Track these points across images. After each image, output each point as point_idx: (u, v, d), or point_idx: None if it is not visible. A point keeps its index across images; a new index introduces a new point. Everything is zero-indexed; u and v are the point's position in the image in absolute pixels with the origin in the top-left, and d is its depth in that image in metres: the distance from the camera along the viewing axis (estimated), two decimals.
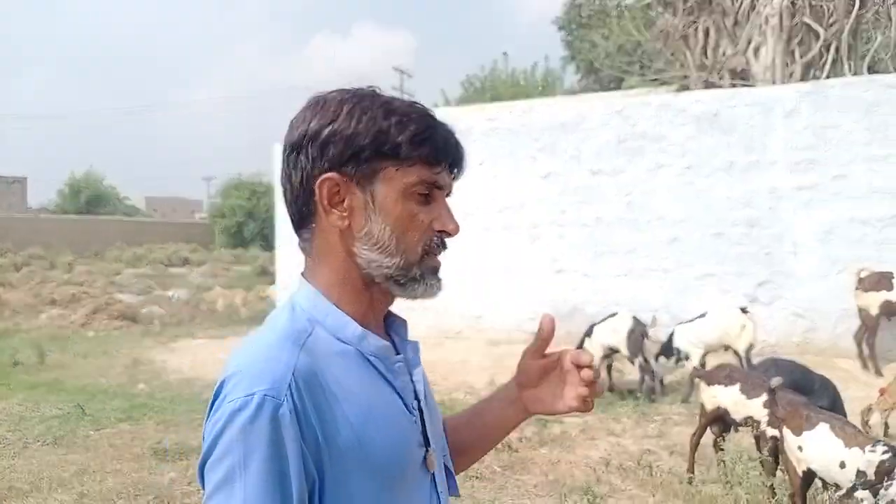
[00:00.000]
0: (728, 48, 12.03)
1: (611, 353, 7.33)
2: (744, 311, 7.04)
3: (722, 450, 5.05)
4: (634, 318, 7.21)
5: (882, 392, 5.50)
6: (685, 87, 12.31)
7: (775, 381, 4.83)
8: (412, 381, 1.15)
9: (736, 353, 6.96)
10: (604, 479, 5.21)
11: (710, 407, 5.14)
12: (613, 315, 7.46)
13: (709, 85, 11.75)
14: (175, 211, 65.96)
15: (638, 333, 7.06)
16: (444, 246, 1.12)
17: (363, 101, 1.08)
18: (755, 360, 5.76)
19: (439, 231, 1.10)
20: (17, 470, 5.27)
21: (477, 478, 5.23)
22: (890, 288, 7.48)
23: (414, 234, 1.08)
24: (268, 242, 27.96)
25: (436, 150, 1.07)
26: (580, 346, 7.47)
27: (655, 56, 15.12)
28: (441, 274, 1.12)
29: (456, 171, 1.13)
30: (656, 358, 7.27)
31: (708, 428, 5.20)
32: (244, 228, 36.02)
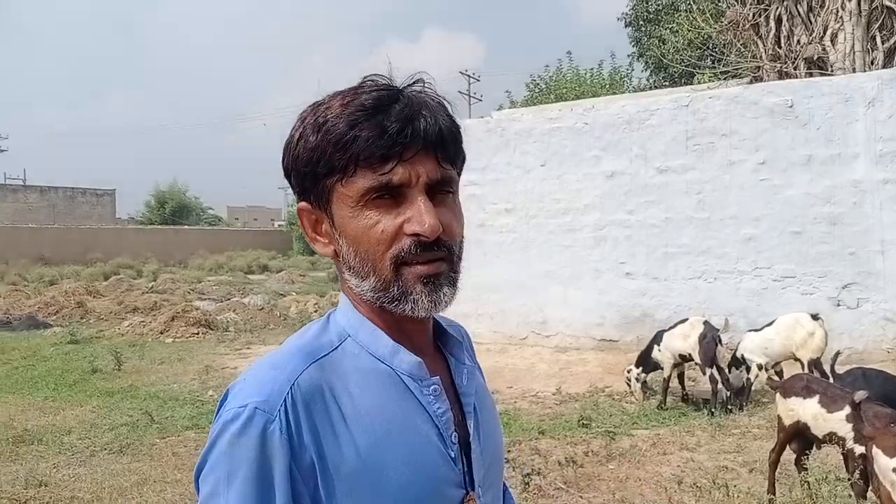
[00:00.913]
0: (802, 36, 11.41)
1: (682, 361, 6.99)
2: (814, 317, 6.60)
3: (805, 469, 4.71)
4: (706, 322, 6.86)
5: None
6: (758, 79, 11.76)
7: (860, 395, 4.48)
8: (461, 409, 1.03)
9: (801, 362, 6.55)
10: (676, 500, 4.93)
11: (787, 421, 4.79)
12: (684, 321, 7.11)
13: (783, 75, 11.17)
14: (255, 220, 68.08)
15: (710, 339, 6.70)
16: (424, 249, 0.94)
17: (305, 117, 0.99)
18: (840, 370, 5.34)
19: (412, 234, 0.94)
20: (81, 479, 5.38)
21: (539, 495, 5.04)
22: None
23: (378, 248, 0.94)
24: None
25: (370, 149, 0.92)
26: (648, 354, 7.18)
27: (726, 48, 14.53)
28: (435, 282, 0.95)
29: (438, 154, 0.96)
30: (728, 368, 6.89)
31: (788, 445, 4.87)
32: None
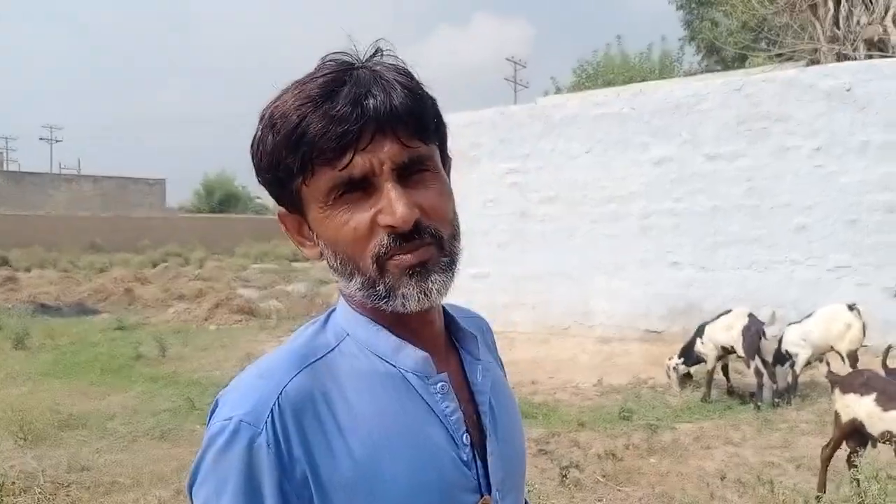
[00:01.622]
0: (862, 17, 10.96)
1: (725, 353, 6.79)
2: (851, 308, 6.34)
3: (856, 466, 4.49)
4: (750, 314, 6.65)
5: None
6: (815, 62, 11.32)
7: None
8: (475, 408, 0.96)
9: (840, 354, 6.30)
10: (718, 495, 4.77)
11: (845, 418, 4.61)
12: (727, 312, 6.92)
13: (841, 58, 10.73)
14: None
15: (754, 331, 6.49)
16: (404, 240, 0.85)
17: (263, 117, 0.89)
18: (894, 364, 5.09)
19: (387, 227, 0.85)
20: (122, 464, 5.47)
21: (577, 487, 4.93)
22: None
23: (356, 247, 0.87)
24: None
25: (321, 145, 0.83)
26: (691, 346, 6.98)
27: (782, 30, 14.03)
28: (422, 271, 0.87)
29: (394, 131, 0.85)
30: (773, 361, 6.66)
31: (844, 442, 4.65)
32: None
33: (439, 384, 0.92)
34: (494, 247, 10.06)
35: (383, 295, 0.88)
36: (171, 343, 10.31)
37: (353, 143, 0.83)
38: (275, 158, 0.87)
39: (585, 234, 9.56)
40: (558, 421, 6.34)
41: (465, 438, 0.92)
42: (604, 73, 21.78)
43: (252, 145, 0.91)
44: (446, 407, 0.92)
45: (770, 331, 6.75)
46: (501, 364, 1.14)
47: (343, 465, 0.84)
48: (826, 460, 4.67)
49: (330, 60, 0.89)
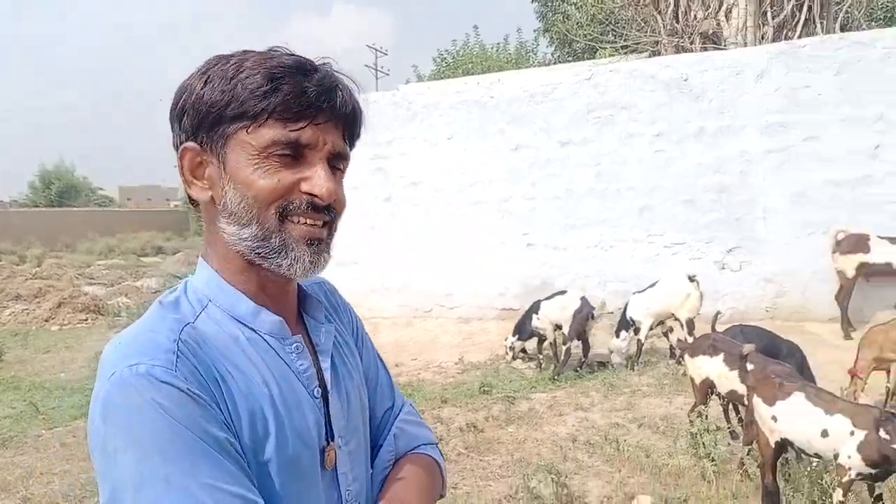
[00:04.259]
0: (699, 11, 11.82)
1: (558, 328, 7.25)
2: (691, 278, 6.94)
3: (691, 422, 4.92)
4: (583, 298, 7.14)
5: (852, 374, 5.34)
6: (657, 54, 12.11)
7: (747, 348, 4.69)
8: (318, 366, 1.05)
9: (679, 321, 6.89)
10: (570, 457, 5.07)
11: (698, 380, 5.00)
12: (563, 292, 7.40)
13: (680, 50, 11.54)
14: (150, 200, 65.25)
15: (584, 314, 7.00)
16: (314, 210, 0.98)
17: (219, 62, 0.97)
18: (721, 329, 5.60)
19: (307, 193, 0.96)
20: None
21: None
22: (867, 250, 7.37)
23: (269, 196, 0.96)
24: None
25: (289, 104, 0.93)
26: (525, 322, 7.40)
27: (627, 24, 14.88)
28: (318, 245, 0.98)
29: (344, 128, 1.00)
30: (616, 333, 7.18)
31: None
32: None
33: (294, 345, 1.03)
34: (359, 232, 10.07)
35: (276, 249, 0.97)
36: (8, 346, 9.55)
37: (312, 116, 0.96)
38: (227, 98, 0.94)
39: (447, 219, 9.76)
40: (422, 399, 6.47)
41: (316, 392, 1.03)
42: (463, 62, 22.19)
43: (192, 82, 0.97)
44: (301, 365, 1.02)
45: (597, 315, 7.31)
46: (353, 319, 1.25)
47: (237, 406, 0.92)
48: (696, 419, 4.99)
49: (279, 49, 0.99)
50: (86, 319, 11.93)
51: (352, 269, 9.87)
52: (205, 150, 0.97)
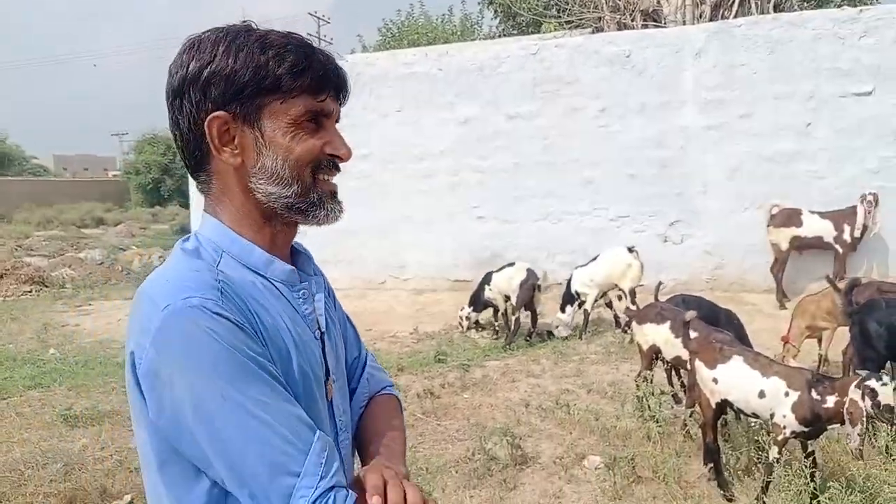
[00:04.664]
0: None
1: (507, 299, 7.52)
2: (630, 250, 7.28)
3: (638, 386, 5.21)
4: (529, 269, 7.41)
5: (785, 340, 5.72)
6: (599, 30, 12.34)
7: (689, 315, 4.96)
8: (315, 312, 1.20)
9: (622, 291, 7.23)
10: (524, 420, 5.33)
11: (645, 347, 5.25)
12: (511, 264, 7.67)
13: (622, 26, 11.80)
14: (86, 169, 62.98)
15: (529, 285, 7.27)
16: (336, 168, 1.17)
17: (238, 38, 1.08)
18: (663, 298, 5.92)
19: (330, 155, 1.14)
20: None
21: None
22: (799, 224, 7.82)
23: (305, 159, 1.11)
24: (186, 199, 27.11)
25: (317, 79, 1.10)
26: (479, 294, 7.65)
27: None
28: (339, 198, 1.18)
29: (341, 96, 1.17)
30: (562, 308, 7.47)
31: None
32: (161, 185, 34.65)
33: (301, 291, 1.19)
34: None
35: (314, 202, 1.14)
36: None
37: (331, 89, 1.14)
38: (264, 73, 1.07)
39: (398, 191, 9.86)
40: None
41: (317, 334, 1.19)
42: (408, 33, 22.05)
43: (230, 54, 1.07)
44: (306, 309, 1.19)
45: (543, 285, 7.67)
46: (325, 277, 1.40)
47: (273, 338, 1.06)
48: (641, 384, 5.24)
49: (249, 22, 1.13)
50: (30, 291, 11.66)
51: (302, 239, 9.82)
52: (236, 119, 1.08)
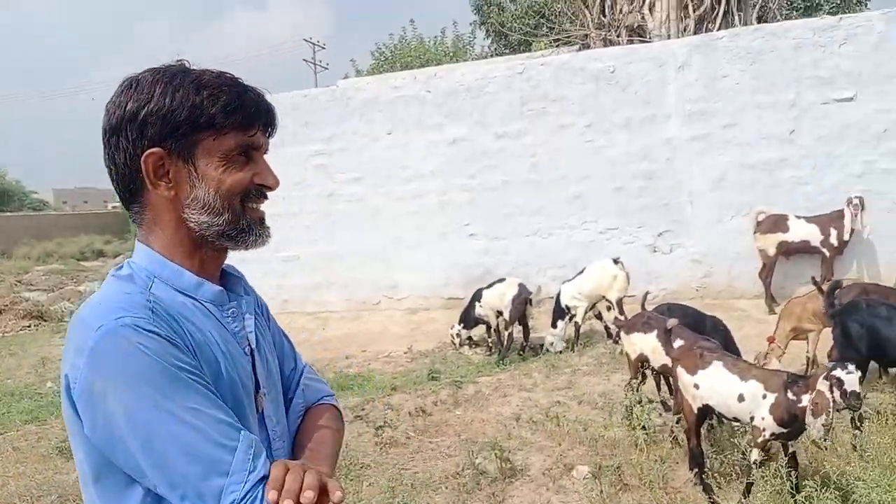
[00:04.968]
0: (624, 5, 12.27)
1: (499, 315, 7.58)
2: (616, 261, 7.36)
3: (626, 395, 5.26)
4: (520, 284, 7.49)
5: (770, 340, 5.79)
6: (586, 47, 12.53)
7: (670, 323, 5.03)
8: (245, 329, 1.28)
9: (609, 302, 7.30)
10: (514, 434, 5.37)
11: (633, 356, 5.33)
12: (501, 280, 7.74)
13: (608, 43, 11.98)
14: (86, 202, 63.30)
15: (521, 300, 7.34)
16: (264, 196, 1.25)
17: (175, 78, 1.17)
18: (650, 308, 5.98)
19: (259, 185, 1.23)
20: None
21: (391, 444, 5.32)
22: (786, 229, 7.91)
23: (236, 189, 1.20)
24: None
25: (248, 116, 1.19)
26: (470, 311, 7.72)
27: (559, 17, 15.28)
28: (267, 223, 1.26)
29: (269, 130, 1.26)
30: (553, 322, 7.54)
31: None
32: None
33: (230, 310, 1.27)
34: (304, 229, 10.19)
35: (244, 229, 1.23)
36: None
37: (259, 124, 1.23)
38: (199, 112, 1.16)
39: (390, 212, 9.97)
40: (373, 388, 6.70)
41: (247, 350, 1.27)
42: (401, 56, 22.31)
43: (167, 94, 1.16)
44: (235, 327, 1.27)
45: (535, 299, 7.70)
46: (259, 297, 1.48)
47: (200, 357, 1.13)
48: (630, 392, 5.27)
49: (182, 61, 1.23)
50: (28, 326, 11.75)
51: (296, 264, 10.03)
52: (171, 155, 1.16)
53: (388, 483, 3.98)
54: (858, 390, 3.64)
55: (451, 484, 4.66)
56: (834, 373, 3.67)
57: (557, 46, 14.28)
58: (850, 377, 3.62)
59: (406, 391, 6.50)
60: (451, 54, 22.47)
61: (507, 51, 20.61)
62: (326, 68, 39.00)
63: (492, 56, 19.97)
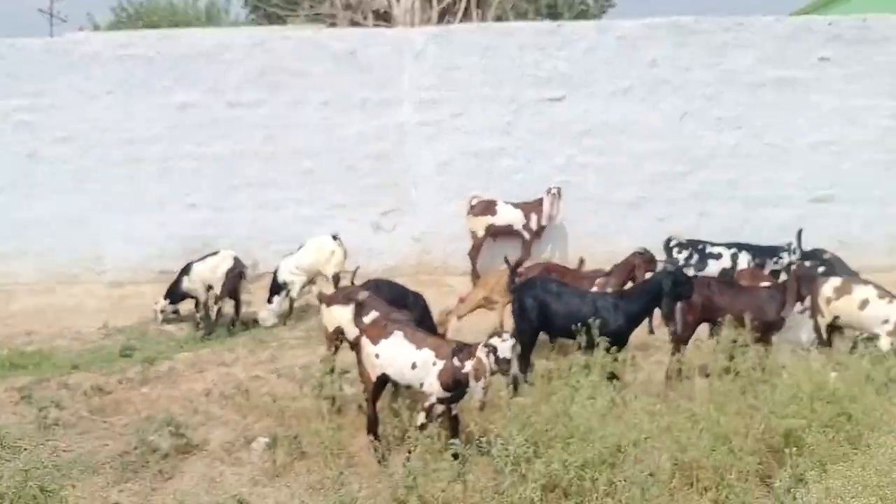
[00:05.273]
0: None
1: (210, 289, 7.29)
2: (334, 237, 7.44)
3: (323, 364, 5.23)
4: (235, 257, 7.27)
5: (461, 299, 6.14)
6: (334, 26, 12.44)
7: (361, 296, 5.10)
8: None
9: (326, 277, 7.36)
10: (202, 410, 5.13)
11: (330, 328, 5.36)
12: (215, 253, 7.45)
13: (354, 24, 11.99)
14: None
15: (235, 274, 7.16)
16: None
17: None
18: (358, 283, 6.03)
19: None
20: None
21: (56, 425, 4.80)
22: (494, 213, 8.51)
23: None
24: None
25: None
26: (177, 286, 7.33)
27: None
28: None
29: None
30: (269, 298, 7.38)
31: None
32: None
33: None
34: None
35: None
36: None
37: None
38: None
39: (99, 177, 9.05)
40: (51, 367, 6.05)
41: None
42: (146, 15, 20.59)
43: None
44: None
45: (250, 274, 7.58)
46: None
47: None
48: (323, 361, 5.24)
49: None
50: None
51: None
52: None
53: (24, 466, 3.51)
54: (509, 356, 3.95)
55: (115, 464, 4.28)
56: (491, 341, 3.97)
57: (308, 23, 14.03)
58: (504, 345, 3.93)
59: (90, 370, 5.92)
60: (204, 19, 21.20)
61: (265, 21, 19.89)
62: (65, 20, 34.78)
63: (248, 25, 19.13)
